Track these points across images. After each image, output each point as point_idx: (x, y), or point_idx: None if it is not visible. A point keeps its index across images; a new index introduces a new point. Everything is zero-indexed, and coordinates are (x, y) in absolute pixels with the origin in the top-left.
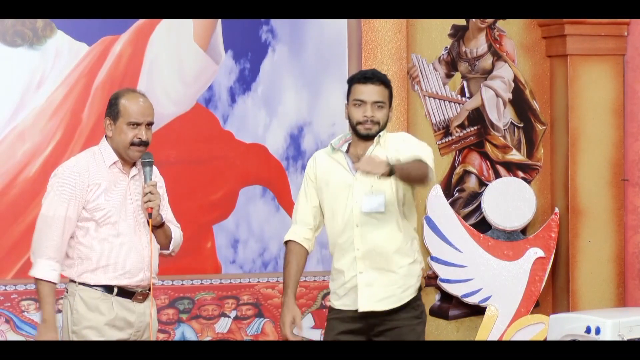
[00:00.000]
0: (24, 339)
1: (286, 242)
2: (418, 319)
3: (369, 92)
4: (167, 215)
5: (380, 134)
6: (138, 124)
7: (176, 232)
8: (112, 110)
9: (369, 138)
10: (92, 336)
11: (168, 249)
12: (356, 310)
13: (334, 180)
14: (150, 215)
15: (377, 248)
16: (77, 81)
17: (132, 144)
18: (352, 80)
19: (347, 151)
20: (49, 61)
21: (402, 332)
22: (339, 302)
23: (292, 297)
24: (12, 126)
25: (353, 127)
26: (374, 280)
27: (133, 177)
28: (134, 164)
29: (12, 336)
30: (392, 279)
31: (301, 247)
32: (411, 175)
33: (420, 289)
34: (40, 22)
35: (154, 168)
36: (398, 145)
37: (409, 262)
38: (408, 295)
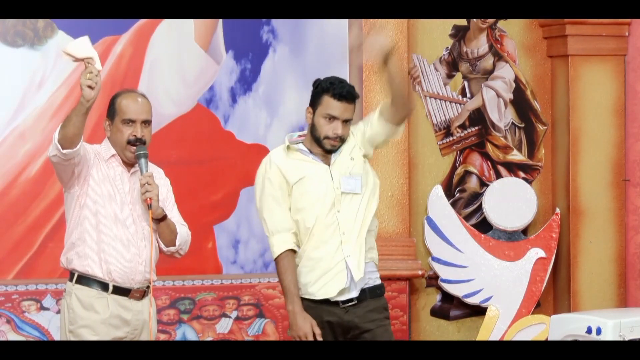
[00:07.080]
0: (25, 339)
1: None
2: (388, 319)
3: (344, 109)
4: (174, 214)
5: None
6: (133, 121)
7: (182, 229)
8: (110, 110)
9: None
10: (88, 335)
11: (174, 245)
12: (336, 302)
13: (309, 175)
14: (150, 206)
15: (358, 229)
16: (78, 81)
17: (129, 142)
18: (325, 91)
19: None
20: (49, 61)
21: (377, 333)
22: (320, 292)
23: (300, 305)
24: (13, 126)
25: (317, 138)
26: (358, 256)
27: (134, 173)
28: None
29: (12, 336)
30: (368, 254)
31: (292, 252)
32: (399, 90)
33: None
34: (41, 23)
35: (160, 170)
36: (357, 128)
37: (374, 242)
38: (378, 277)
